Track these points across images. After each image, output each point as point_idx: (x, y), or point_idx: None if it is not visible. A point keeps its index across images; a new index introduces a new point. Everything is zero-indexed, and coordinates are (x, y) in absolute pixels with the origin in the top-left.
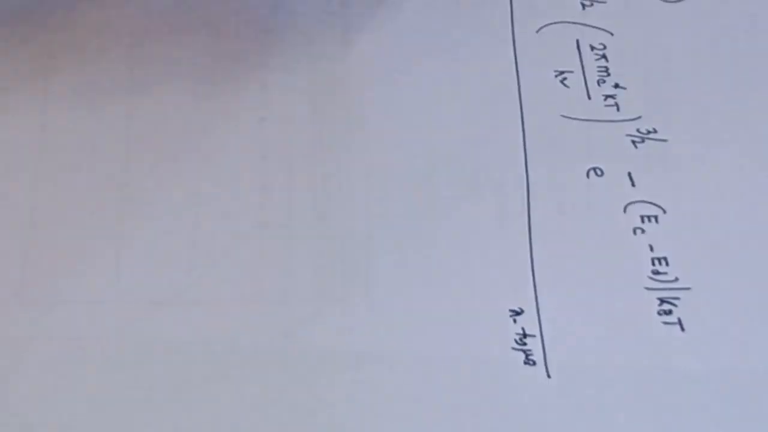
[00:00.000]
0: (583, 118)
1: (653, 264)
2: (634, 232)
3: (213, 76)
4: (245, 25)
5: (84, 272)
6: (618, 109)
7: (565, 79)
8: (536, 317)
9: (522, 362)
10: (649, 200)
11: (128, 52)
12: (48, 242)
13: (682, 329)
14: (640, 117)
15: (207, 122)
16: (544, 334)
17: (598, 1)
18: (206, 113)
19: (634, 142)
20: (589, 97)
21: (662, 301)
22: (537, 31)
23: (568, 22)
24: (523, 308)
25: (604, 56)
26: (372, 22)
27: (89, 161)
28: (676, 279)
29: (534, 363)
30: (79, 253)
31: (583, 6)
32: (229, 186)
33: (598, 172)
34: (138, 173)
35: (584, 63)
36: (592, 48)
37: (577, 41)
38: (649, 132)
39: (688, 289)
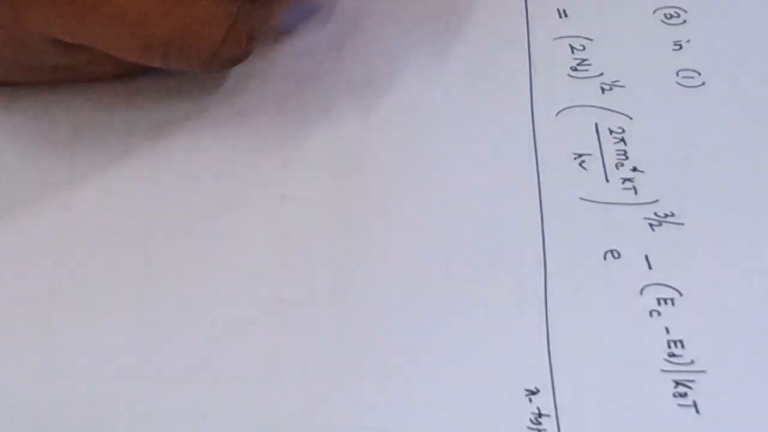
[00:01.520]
0: (601, 200)
1: (669, 346)
2: (651, 314)
3: (234, 152)
4: (267, 101)
5: (103, 346)
6: (636, 192)
7: (583, 161)
8: (552, 397)
9: None
10: (666, 283)
11: (148, 132)
12: (67, 316)
13: (697, 412)
14: (657, 200)
15: (228, 199)
16: (559, 414)
17: (617, 85)
18: (227, 190)
19: (651, 225)
20: (608, 180)
21: (677, 383)
22: (556, 114)
23: (588, 106)
24: (539, 388)
25: (622, 140)
26: (393, 101)
27: (110, 236)
28: (692, 362)
29: None
30: (98, 328)
31: (603, 90)
32: (248, 262)
33: (615, 255)
34: (158, 248)
35: (603, 146)
36: (611, 131)
37: (596, 124)
38: (666, 215)
39: (703, 372)
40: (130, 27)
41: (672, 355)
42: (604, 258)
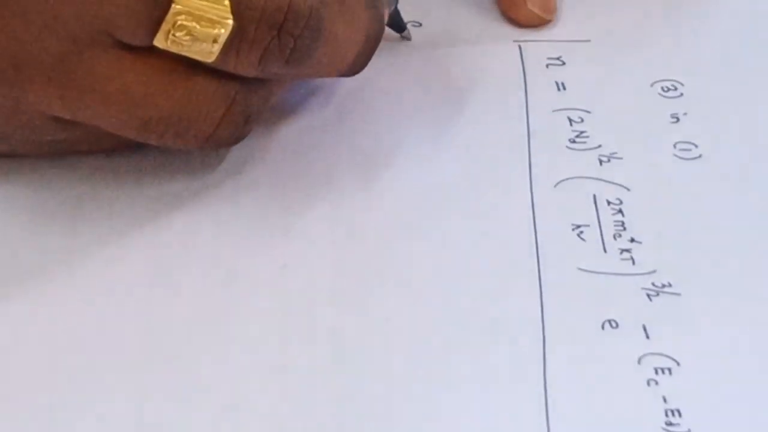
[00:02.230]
0: (599, 271)
1: (666, 415)
2: (648, 383)
3: (236, 221)
4: (268, 174)
5: (106, 419)
6: (633, 263)
7: (581, 232)
8: None
9: None
10: (663, 353)
11: (150, 204)
12: (68, 392)
13: None
14: (655, 271)
15: (229, 268)
16: None
17: (615, 157)
18: (229, 259)
19: (648, 295)
20: (605, 251)
21: None
22: (555, 186)
23: (586, 177)
24: None
25: (620, 211)
26: (395, 172)
27: (113, 309)
28: (689, 431)
29: None
30: (100, 399)
31: (601, 161)
32: (249, 330)
33: (613, 324)
34: (161, 319)
35: (601, 217)
36: (609, 203)
37: (594, 196)
38: (663, 285)
39: None
40: (128, 106)
41: (669, 424)
42: (602, 328)
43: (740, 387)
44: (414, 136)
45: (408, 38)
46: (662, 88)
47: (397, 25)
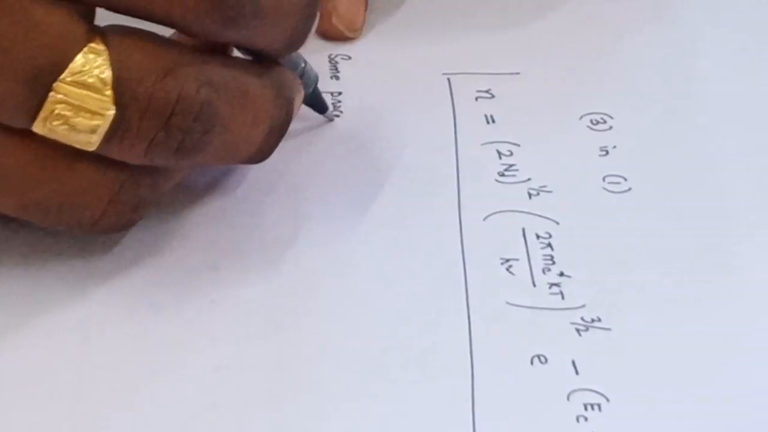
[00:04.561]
0: (528, 305)
1: None
2: (578, 419)
3: (163, 257)
4: (196, 215)
5: None
6: (563, 297)
7: (510, 266)
8: None
9: None
10: (593, 388)
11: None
12: None
13: None
14: (584, 305)
15: (157, 304)
16: None
17: (544, 190)
18: (156, 296)
19: (578, 330)
20: (534, 285)
21: None
22: (484, 219)
23: (515, 211)
24: None
25: (549, 245)
26: (322, 205)
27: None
28: None
29: None
30: None
31: (530, 195)
32: (179, 367)
33: (543, 360)
34: (95, 355)
35: (530, 251)
36: (538, 236)
37: (523, 229)
38: (593, 320)
39: None
40: (7, 187)
41: None
42: (531, 363)
43: (670, 422)
44: (341, 169)
45: (330, 119)
46: (591, 121)
47: (319, 105)
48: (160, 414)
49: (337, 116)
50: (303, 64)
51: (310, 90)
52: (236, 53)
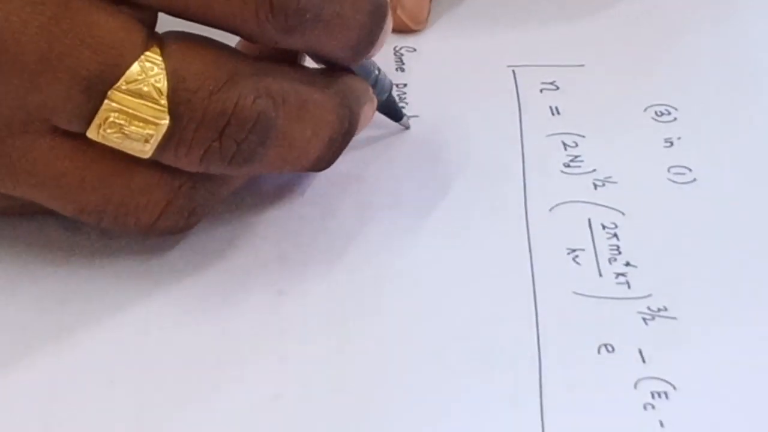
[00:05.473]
0: (594, 295)
1: None
2: (645, 407)
3: (231, 249)
4: (263, 200)
5: None
6: (629, 287)
7: (577, 256)
8: None
9: None
10: (660, 377)
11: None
12: None
13: None
14: (650, 295)
15: (225, 295)
16: None
17: (609, 181)
18: (224, 286)
19: (644, 319)
20: (601, 275)
21: None
22: (550, 210)
23: (580, 202)
24: None
25: (615, 235)
26: (387, 194)
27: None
28: None
29: None
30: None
31: (595, 186)
32: (245, 358)
33: (609, 349)
34: (154, 349)
35: (596, 241)
36: (604, 227)
37: (589, 220)
38: (659, 309)
39: None
40: (62, 193)
41: None
42: (598, 352)
43: (737, 410)
44: (408, 159)
45: (406, 126)
46: (656, 113)
47: (394, 113)
48: (225, 404)
49: (413, 119)
50: (377, 72)
51: (384, 98)
52: (309, 62)
